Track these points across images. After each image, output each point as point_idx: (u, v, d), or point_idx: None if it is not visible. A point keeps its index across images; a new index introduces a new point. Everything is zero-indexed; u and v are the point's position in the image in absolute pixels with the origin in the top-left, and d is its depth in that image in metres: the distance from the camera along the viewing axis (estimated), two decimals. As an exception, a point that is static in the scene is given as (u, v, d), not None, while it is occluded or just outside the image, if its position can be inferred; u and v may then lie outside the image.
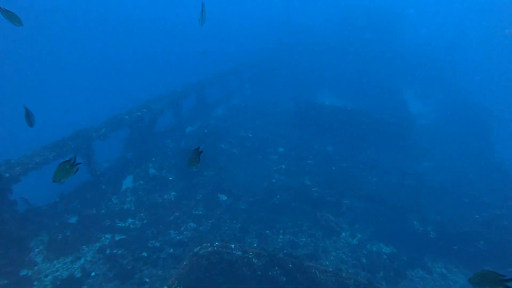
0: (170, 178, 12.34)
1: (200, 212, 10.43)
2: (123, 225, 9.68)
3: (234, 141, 15.80)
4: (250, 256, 6.21)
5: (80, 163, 4.31)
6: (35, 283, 7.44)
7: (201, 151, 4.74)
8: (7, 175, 7.63)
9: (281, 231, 9.80)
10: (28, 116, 5.74)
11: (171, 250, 8.74)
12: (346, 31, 25.18)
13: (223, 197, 11.18)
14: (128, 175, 12.17)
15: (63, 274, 7.70)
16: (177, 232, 9.49)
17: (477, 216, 10.83)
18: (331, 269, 5.92)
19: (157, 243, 9.01)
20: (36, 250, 8.23)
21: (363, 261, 9.07)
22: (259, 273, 6.12)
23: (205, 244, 6.38)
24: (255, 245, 9.06)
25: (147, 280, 7.81)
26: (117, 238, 9.11)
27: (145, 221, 9.90)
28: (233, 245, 6.38)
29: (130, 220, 9.92)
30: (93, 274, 7.82)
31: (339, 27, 26.27)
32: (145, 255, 8.51)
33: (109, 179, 11.26)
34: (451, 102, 21.24)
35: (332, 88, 22.75)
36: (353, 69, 22.46)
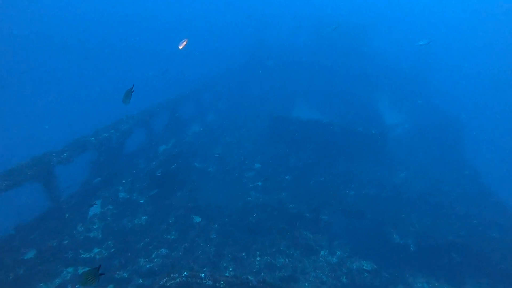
0: (141, 201, 11.73)
1: (173, 237, 9.87)
2: (87, 256, 8.99)
3: (209, 159, 15.37)
4: (221, 286, 5.76)
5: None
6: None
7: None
8: (-48, 208, 6.92)
9: (257, 252, 9.35)
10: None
11: (140, 281, 8.14)
12: (318, 45, 25.46)
13: (197, 219, 10.65)
14: (96, 200, 11.48)
15: (16, 317, 6.96)
16: (147, 259, 8.89)
17: (454, 227, 10.75)
18: (308, 296, 5.53)
19: (125, 274, 8.38)
20: (-14, 292, 7.45)
21: (343, 280, 8.73)
22: (231, 304, 5.67)
23: (172, 275, 5.89)
24: (230, 269, 8.58)
25: (113, 316, 7.18)
26: (80, 271, 8.42)
27: (112, 250, 9.24)
28: (203, 274, 5.91)
29: (96, 250, 9.24)
30: (51, 314, 7.13)
31: (311, 41, 26.58)
32: (111, 288, 7.87)
33: (74, 206, 10.55)
34: (424, 112, 21.60)
35: (308, 102, 22.75)
36: (328, 82, 22.58)
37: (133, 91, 5.54)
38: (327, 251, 9.83)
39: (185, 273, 5.92)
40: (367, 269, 9.29)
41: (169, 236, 9.83)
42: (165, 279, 5.82)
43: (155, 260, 8.88)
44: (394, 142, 18.25)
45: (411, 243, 10.21)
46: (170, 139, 16.95)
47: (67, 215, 10.08)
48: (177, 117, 18.19)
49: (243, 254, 9.18)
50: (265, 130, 17.76)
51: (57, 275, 8.26)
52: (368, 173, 14.81)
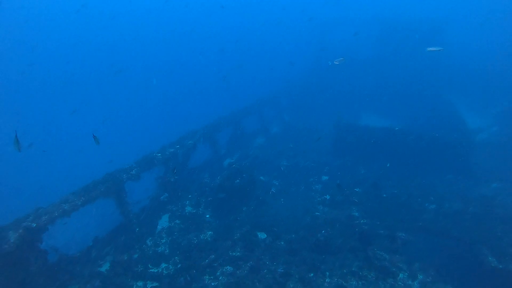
0: (207, 216, 11.75)
1: (238, 254, 9.60)
2: (155, 270, 9.10)
3: (275, 172, 15.04)
4: (287, 314, 5.25)
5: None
6: None
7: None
8: (34, 225, 7.42)
9: (327, 273, 8.64)
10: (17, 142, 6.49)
11: (205, 300, 7.95)
12: (387, 45, 23.91)
13: (263, 236, 10.30)
14: (164, 215, 11.78)
15: (91, 331, 7.17)
16: (212, 277, 8.70)
17: None
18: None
19: (190, 291, 8.28)
20: (67, 302, 7.85)
21: (428, 310, 7.62)
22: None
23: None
24: (298, 291, 8.01)
25: (179, 336, 7.04)
26: (148, 286, 8.52)
27: (179, 266, 9.25)
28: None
29: (163, 265, 9.33)
30: (121, 330, 7.22)
31: (379, 42, 25.10)
32: (177, 307, 7.79)
33: (143, 220, 10.89)
34: None
35: (377, 109, 21.41)
36: (398, 85, 21.06)
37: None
38: (407, 274, 8.74)
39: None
40: (457, 297, 8.05)
41: (234, 253, 9.58)
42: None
43: (220, 278, 8.65)
44: (480, 148, 16.16)
45: (513, 268, 8.65)
46: (235, 153, 17.01)
47: (137, 229, 10.41)
48: (241, 130, 18.25)
49: (311, 275, 8.55)
50: (331, 140, 16.96)
51: (129, 288, 8.46)
52: (451, 185, 13.23)
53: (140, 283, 8.63)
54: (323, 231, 10.33)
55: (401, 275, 8.68)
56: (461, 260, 9.12)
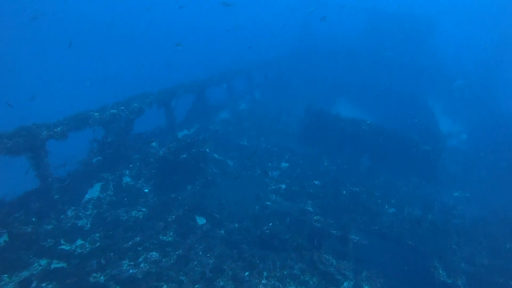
0: (146, 190, 10.40)
1: (169, 239, 8.39)
2: (67, 248, 7.74)
3: (232, 151, 13.79)
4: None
5: None
6: None
7: None
8: None
9: (264, 273, 7.61)
10: None
11: (117, 289, 6.72)
12: (371, 38, 22.89)
13: (201, 221, 9.12)
14: (96, 183, 10.31)
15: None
16: (132, 263, 7.46)
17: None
18: None
19: (101, 277, 7.01)
20: None
21: (368, 328, 6.78)
22: None
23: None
24: (227, 291, 6.95)
25: (71, 333, 5.81)
26: (53, 266, 7.17)
27: (97, 244, 7.93)
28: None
29: (79, 242, 7.98)
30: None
31: (363, 33, 24.03)
32: (80, 295, 6.53)
33: (67, 187, 9.35)
34: (487, 121, 18.57)
35: (351, 99, 20.49)
36: (376, 79, 20.18)
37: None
38: (352, 283, 7.89)
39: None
40: (401, 315, 7.28)
41: (164, 238, 8.37)
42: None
43: (142, 265, 7.43)
44: (448, 154, 15.60)
45: (461, 285, 8.05)
46: (194, 124, 15.56)
47: (56, 196, 8.89)
48: (206, 101, 16.73)
49: (246, 273, 7.48)
50: (299, 125, 15.85)
51: (27, 266, 7.07)
52: (414, 189, 12.54)
53: (43, 262, 7.26)
54: (270, 224, 9.30)
55: (345, 284, 7.80)
56: (411, 272, 8.39)
